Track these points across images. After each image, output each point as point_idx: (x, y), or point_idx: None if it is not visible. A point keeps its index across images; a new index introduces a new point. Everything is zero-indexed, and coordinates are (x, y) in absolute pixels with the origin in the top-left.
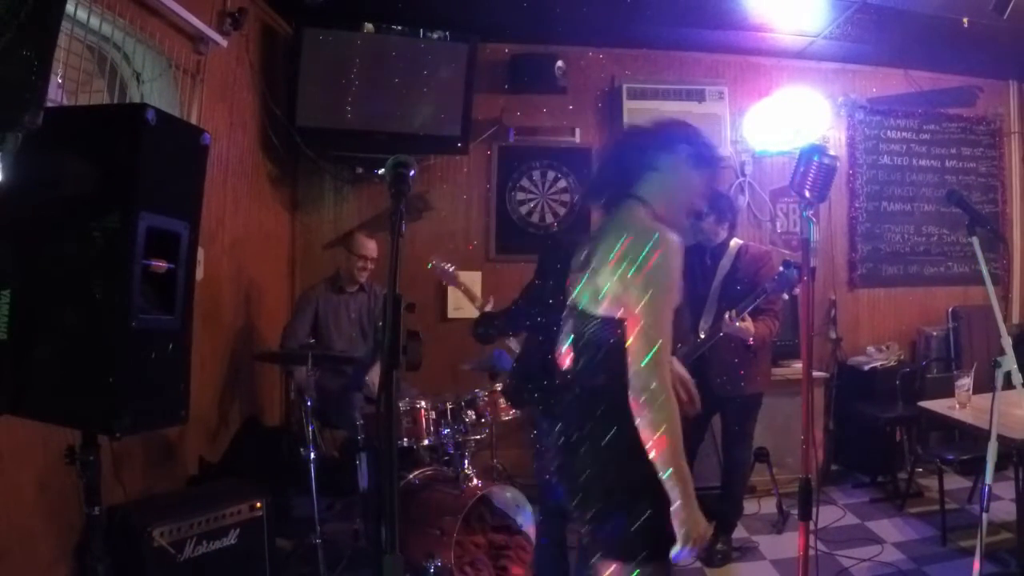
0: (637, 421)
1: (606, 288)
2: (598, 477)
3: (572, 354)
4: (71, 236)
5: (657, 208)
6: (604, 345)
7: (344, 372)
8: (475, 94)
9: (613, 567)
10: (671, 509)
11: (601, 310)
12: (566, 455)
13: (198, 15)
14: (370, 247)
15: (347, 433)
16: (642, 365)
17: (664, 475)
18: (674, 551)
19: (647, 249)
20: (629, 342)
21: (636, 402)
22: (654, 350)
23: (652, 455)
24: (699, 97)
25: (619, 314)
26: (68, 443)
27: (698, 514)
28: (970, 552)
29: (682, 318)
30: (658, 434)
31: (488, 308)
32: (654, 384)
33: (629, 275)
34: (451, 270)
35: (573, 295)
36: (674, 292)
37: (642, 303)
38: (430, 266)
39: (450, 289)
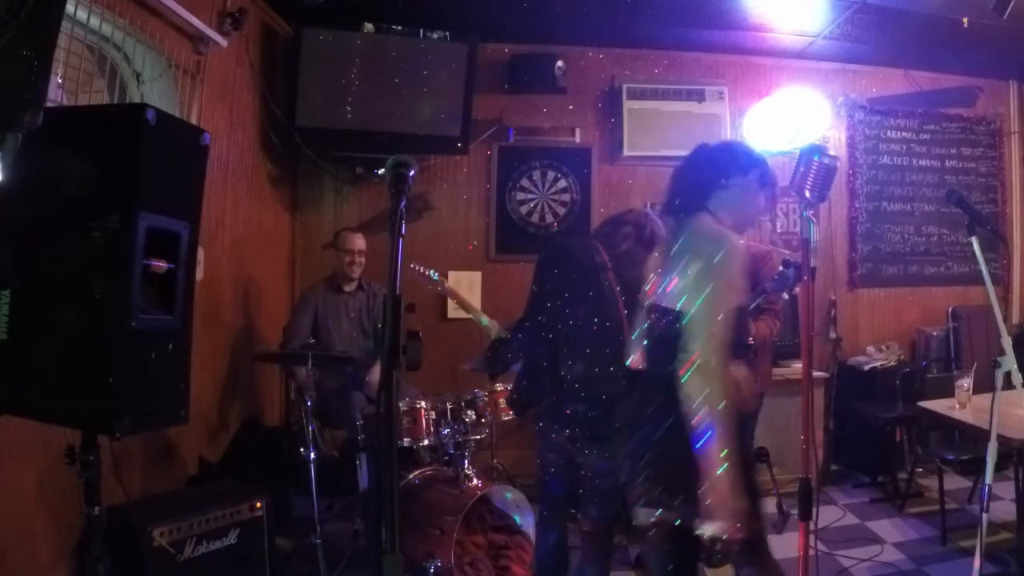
0: (682, 396)
1: (672, 283)
2: (681, 462)
3: (645, 349)
4: (71, 236)
5: (724, 221)
6: (671, 336)
7: (344, 372)
8: (475, 94)
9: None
10: (706, 485)
11: (668, 303)
12: (641, 444)
13: (198, 15)
14: (356, 241)
15: (347, 433)
16: (694, 351)
17: (699, 446)
18: (699, 528)
19: (712, 249)
20: (686, 331)
21: (683, 381)
22: (706, 338)
23: (695, 428)
24: (699, 97)
25: (680, 306)
26: (68, 443)
27: (731, 492)
28: (970, 552)
29: (744, 319)
30: (701, 408)
31: (490, 326)
32: (702, 362)
33: (693, 271)
34: (435, 276)
35: (647, 295)
36: (733, 290)
37: (702, 296)
38: (411, 266)
39: None
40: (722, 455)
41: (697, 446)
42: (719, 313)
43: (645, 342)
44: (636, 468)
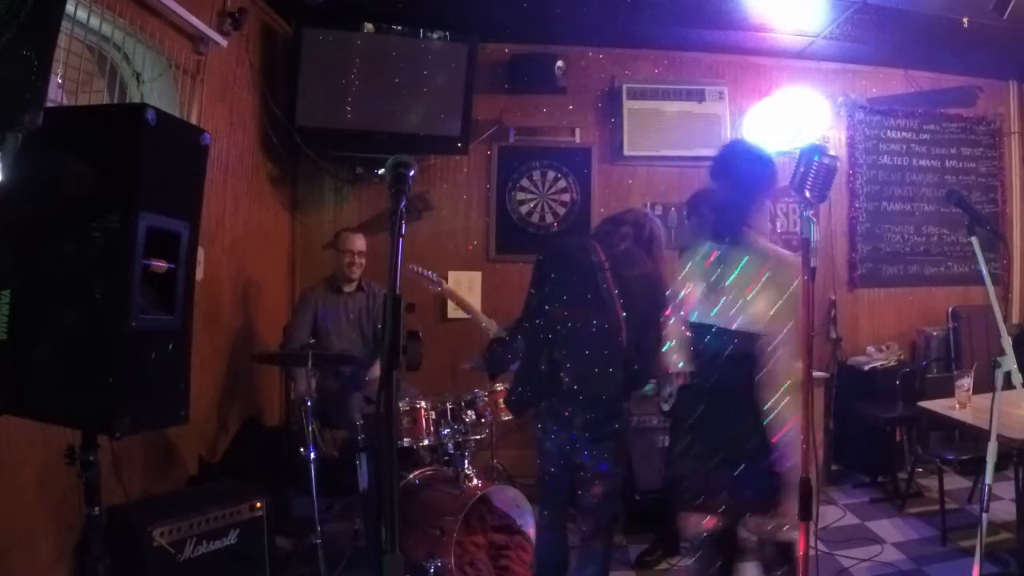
0: (777, 405)
1: (746, 306)
2: (752, 455)
3: (694, 359)
4: (71, 236)
5: (758, 229)
6: (742, 354)
7: (342, 373)
8: (475, 94)
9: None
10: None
11: (741, 325)
12: (710, 440)
13: (198, 15)
14: (355, 241)
15: (347, 433)
16: (788, 368)
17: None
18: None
19: (788, 276)
20: (777, 351)
21: (776, 399)
22: (794, 358)
23: (786, 429)
24: (699, 97)
25: (759, 328)
26: (68, 443)
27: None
28: (970, 552)
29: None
30: (792, 414)
31: (489, 326)
32: (793, 381)
33: (775, 298)
34: (435, 277)
35: (706, 312)
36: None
37: (790, 321)
38: (409, 267)
39: None
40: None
41: (790, 460)
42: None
43: (701, 351)
44: (713, 473)
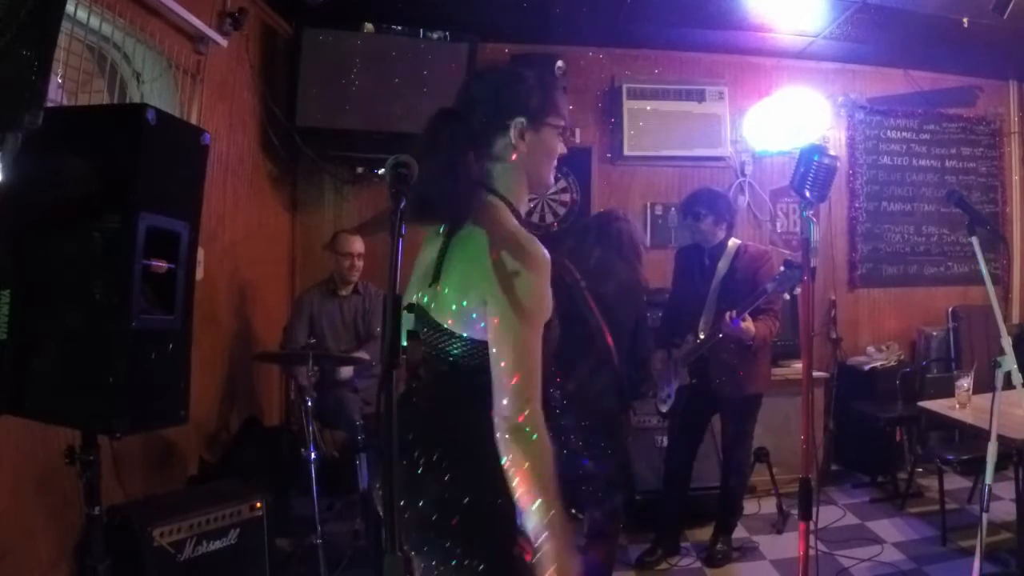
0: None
1: None
2: None
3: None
4: (71, 236)
5: None
6: None
7: (334, 375)
8: None
9: None
10: None
11: None
12: None
13: (198, 15)
14: (354, 244)
15: (345, 433)
16: None
17: None
18: None
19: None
20: None
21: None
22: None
23: None
24: (699, 97)
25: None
26: (68, 443)
27: None
28: (970, 552)
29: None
30: None
31: None
32: None
33: None
34: None
35: None
36: None
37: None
38: None
39: None
40: None
41: None
42: None
43: None
44: None
